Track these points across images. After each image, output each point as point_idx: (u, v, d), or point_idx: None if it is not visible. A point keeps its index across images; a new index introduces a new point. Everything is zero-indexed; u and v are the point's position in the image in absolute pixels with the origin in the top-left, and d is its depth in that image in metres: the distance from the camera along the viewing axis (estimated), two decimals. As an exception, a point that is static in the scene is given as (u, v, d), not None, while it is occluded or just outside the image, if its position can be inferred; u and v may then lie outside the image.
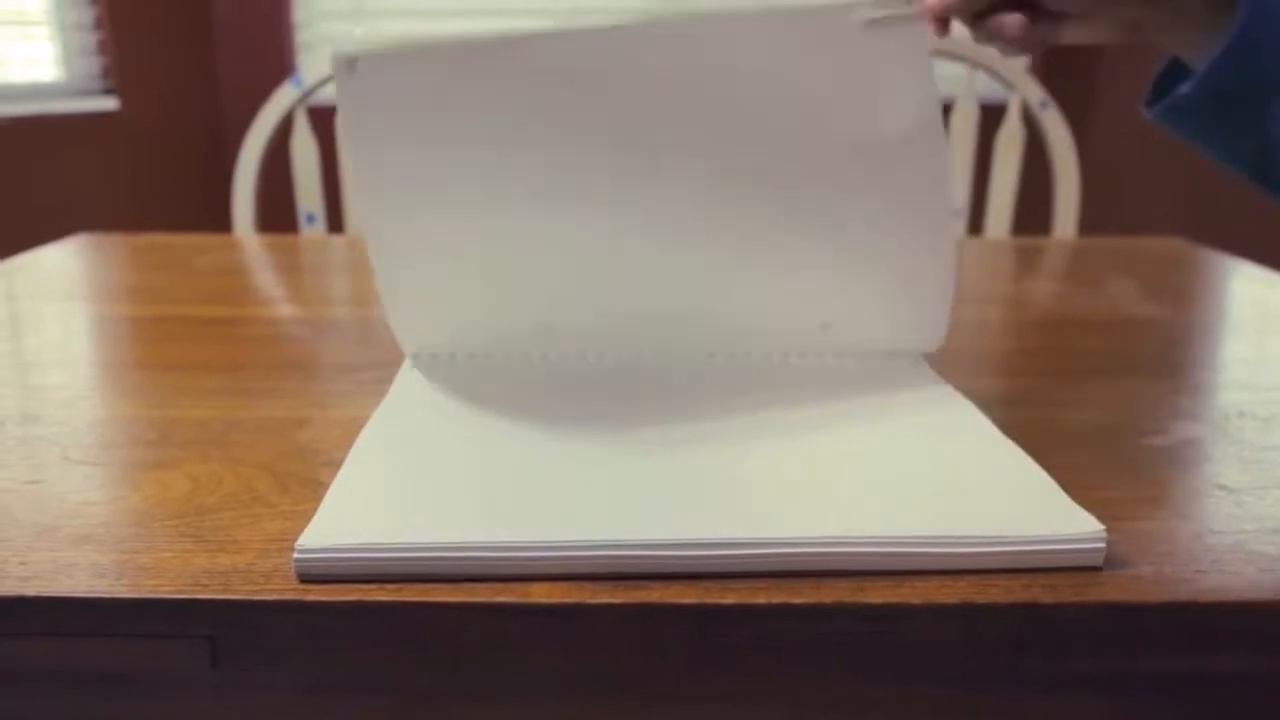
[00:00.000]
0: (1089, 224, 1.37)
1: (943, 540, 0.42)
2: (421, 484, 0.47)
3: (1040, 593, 0.41)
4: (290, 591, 0.41)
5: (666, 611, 0.40)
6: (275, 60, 2.22)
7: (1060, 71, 2.32)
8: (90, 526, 0.46)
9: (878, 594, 0.40)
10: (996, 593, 0.41)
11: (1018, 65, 1.34)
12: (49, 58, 1.92)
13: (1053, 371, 0.69)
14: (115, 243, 1.15)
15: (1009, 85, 1.34)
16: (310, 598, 0.40)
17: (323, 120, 1.58)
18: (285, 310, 0.86)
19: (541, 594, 0.40)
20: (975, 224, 1.41)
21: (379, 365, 0.69)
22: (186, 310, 0.86)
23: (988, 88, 1.37)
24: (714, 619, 0.40)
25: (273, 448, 0.55)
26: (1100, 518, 0.44)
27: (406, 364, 0.65)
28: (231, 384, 0.66)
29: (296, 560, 0.41)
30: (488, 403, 0.57)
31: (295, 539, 0.42)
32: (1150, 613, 0.40)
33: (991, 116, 1.40)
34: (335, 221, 1.53)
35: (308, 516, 0.45)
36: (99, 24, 1.97)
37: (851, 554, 0.41)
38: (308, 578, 0.41)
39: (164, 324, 0.81)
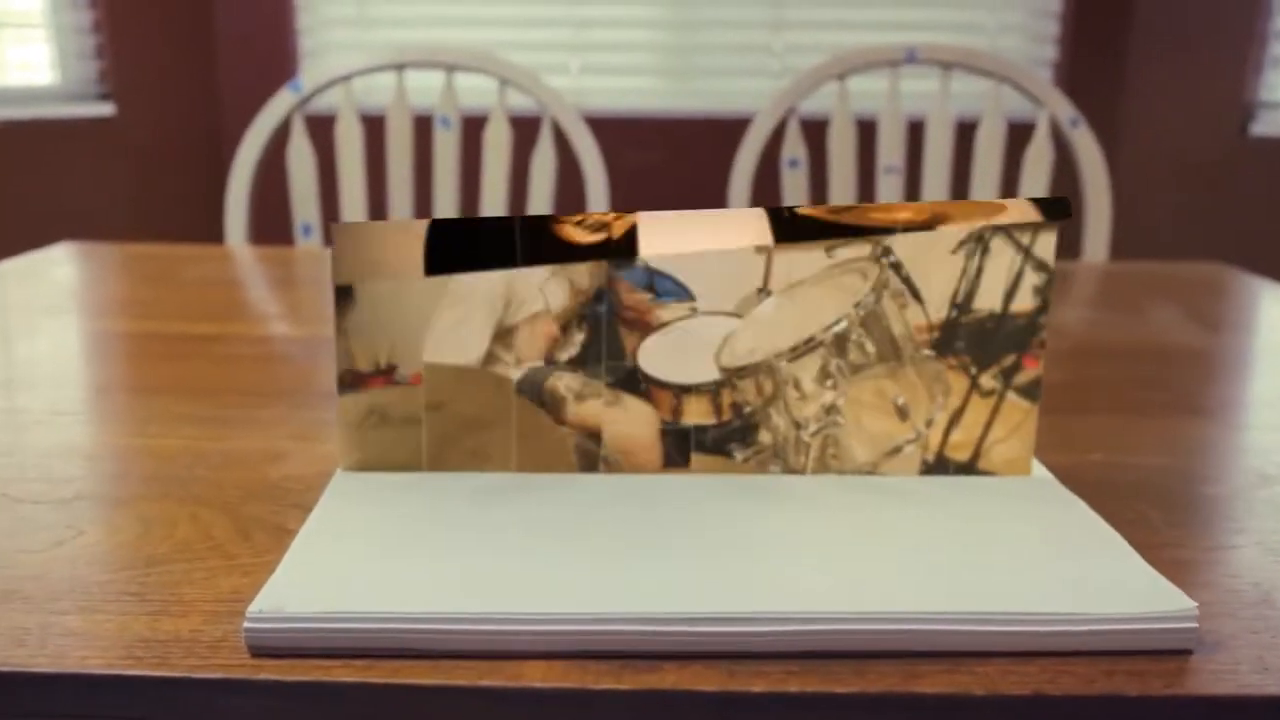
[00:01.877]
0: (1118, 248, 1.31)
1: (1007, 617, 0.36)
2: (399, 542, 0.41)
3: (1124, 682, 0.34)
4: (239, 667, 0.34)
5: (684, 699, 0.34)
6: (278, 67, 2.17)
7: (1086, 89, 2.27)
8: (19, 580, 0.40)
9: (933, 681, 0.34)
10: (1072, 682, 0.34)
11: (1045, 81, 1.28)
12: (45, 61, 1.87)
13: (1098, 408, 0.63)
14: (102, 252, 1.10)
15: (1037, 102, 1.28)
16: (262, 676, 0.34)
17: (321, 128, 1.52)
18: (274, 328, 0.80)
19: (537, 676, 0.34)
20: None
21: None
22: (170, 326, 0.80)
23: (1015, 104, 1.32)
24: (740, 708, 0.34)
25: (240, 485, 0.49)
26: (1173, 585, 0.38)
27: None
28: (207, 410, 0.60)
29: (247, 630, 0.35)
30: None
31: (251, 600, 0.36)
32: (1255, 709, 0.34)
33: (1018, 134, 1.34)
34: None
35: (269, 571, 0.39)
36: (97, 27, 1.92)
37: (902, 632, 0.35)
38: (260, 650, 0.35)
39: (144, 340, 0.76)
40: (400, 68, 1.29)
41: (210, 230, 1.26)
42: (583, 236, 0.45)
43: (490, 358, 0.46)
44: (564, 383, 0.46)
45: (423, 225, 0.45)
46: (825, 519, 0.43)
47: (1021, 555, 0.40)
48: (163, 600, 0.39)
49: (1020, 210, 0.45)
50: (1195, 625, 0.36)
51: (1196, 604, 0.36)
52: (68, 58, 1.91)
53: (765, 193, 1.40)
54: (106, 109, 1.94)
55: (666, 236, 0.45)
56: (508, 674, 0.34)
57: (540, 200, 1.30)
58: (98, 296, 0.91)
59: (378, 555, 0.39)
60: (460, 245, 0.45)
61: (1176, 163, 2.23)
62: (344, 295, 0.45)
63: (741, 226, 0.45)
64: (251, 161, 1.28)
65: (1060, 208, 0.45)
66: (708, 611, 0.35)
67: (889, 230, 0.45)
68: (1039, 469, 0.49)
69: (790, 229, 0.45)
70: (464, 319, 0.46)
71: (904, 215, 0.45)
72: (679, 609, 0.35)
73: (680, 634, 0.35)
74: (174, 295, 0.91)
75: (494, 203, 1.31)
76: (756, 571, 0.38)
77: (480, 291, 0.45)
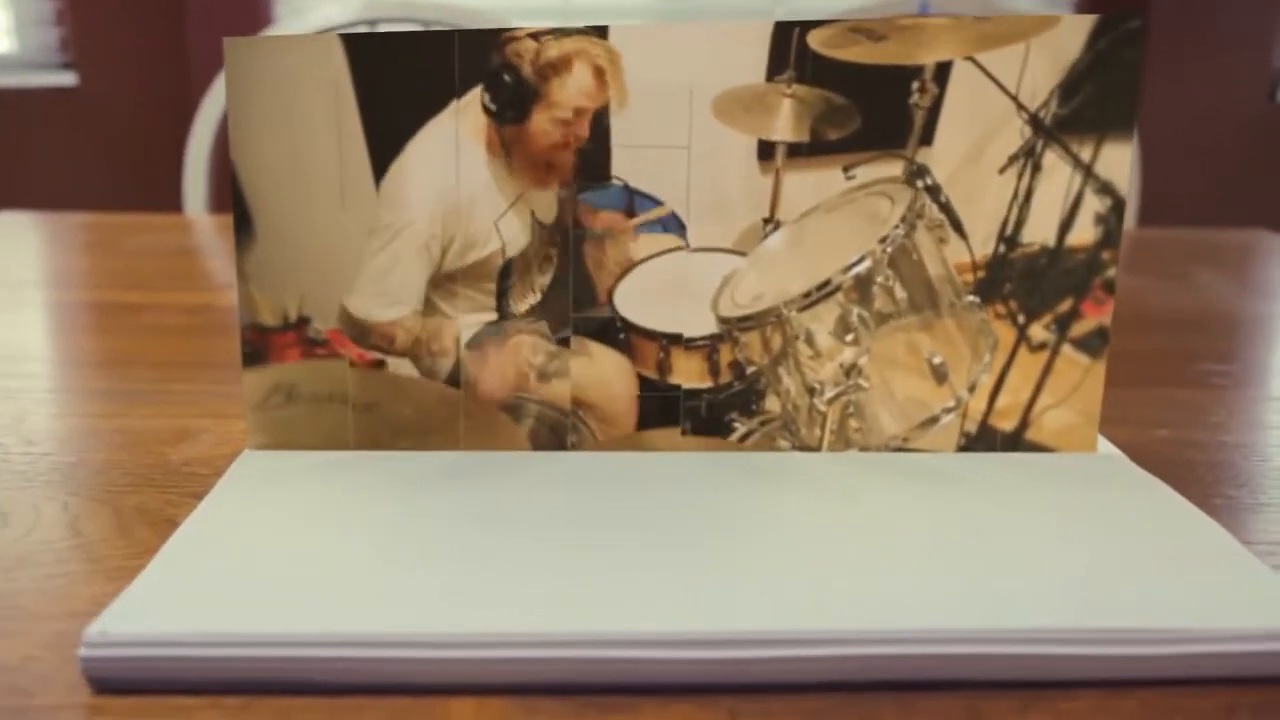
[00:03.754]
0: (1144, 215, 1.22)
1: (1096, 635, 0.27)
2: (301, 542, 0.32)
3: (1252, 721, 0.26)
4: (71, 708, 0.26)
5: (665, 750, 0.25)
6: (250, 32, 2.08)
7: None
8: None
9: (1000, 723, 0.25)
10: (1185, 721, 0.26)
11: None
12: (1, 27, 1.77)
13: (1157, 380, 0.54)
14: (46, 221, 1.01)
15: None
16: (101, 720, 0.25)
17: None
18: (210, 298, 0.72)
19: (466, 717, 0.25)
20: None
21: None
22: (96, 295, 0.71)
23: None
24: (740, 762, 0.25)
25: (131, 470, 0.40)
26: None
27: None
28: (113, 384, 0.51)
29: (84, 657, 0.26)
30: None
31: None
32: None
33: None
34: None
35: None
36: (56, -9, 1.82)
37: (961, 657, 0.26)
38: (104, 684, 0.26)
39: (61, 310, 0.67)
40: (372, 23, 1.20)
41: (179, 202, 1.17)
42: (537, 55, 0.36)
43: (429, 306, 0.37)
44: (525, 352, 0.37)
45: (335, 40, 0.35)
46: (849, 510, 0.34)
47: (1103, 555, 0.31)
48: (-4, 615, 0.30)
49: (1077, 25, 0.35)
50: (1339, 643, 0.27)
51: (1339, 615, 0.28)
52: (26, 24, 1.81)
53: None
54: (68, 78, 1.84)
55: (648, 54, 0.36)
56: (428, 715, 0.25)
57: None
58: (24, 266, 0.83)
59: (269, 559, 0.31)
60: (386, 67, 0.36)
61: (1202, 130, 2.14)
62: (244, 226, 0.36)
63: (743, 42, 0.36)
64: (212, 128, 1.19)
65: (1129, 25, 0.35)
66: (699, 632, 0.26)
67: (914, 74, 0.36)
68: (1105, 445, 0.40)
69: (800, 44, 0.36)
70: (393, 264, 0.37)
71: (940, 24, 0.36)
72: (660, 628, 0.27)
73: (663, 661, 0.26)
74: (110, 264, 0.82)
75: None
76: (763, 578, 0.29)
77: (413, 229, 0.37)
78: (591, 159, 0.36)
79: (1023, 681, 0.27)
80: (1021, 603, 0.28)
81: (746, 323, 0.37)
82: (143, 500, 0.38)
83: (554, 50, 0.35)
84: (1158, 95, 2.13)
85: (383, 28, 1.21)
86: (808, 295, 0.37)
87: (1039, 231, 0.37)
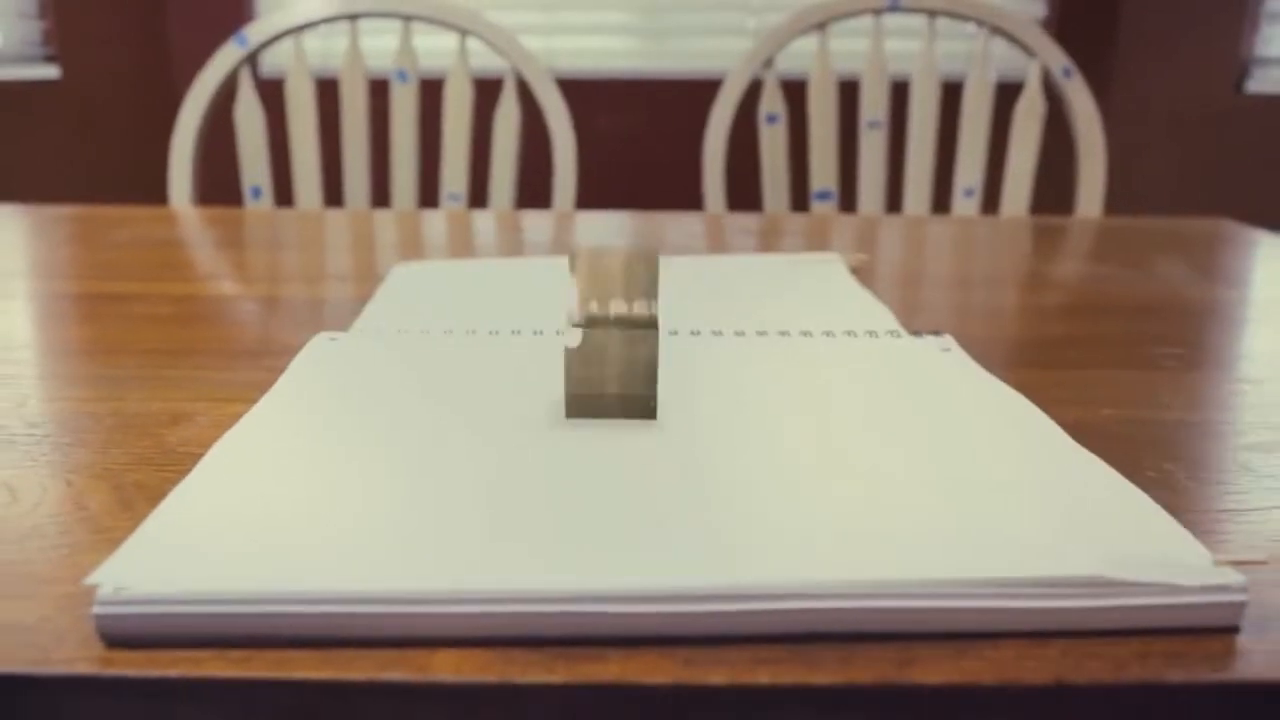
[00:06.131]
0: (1110, 203, 1.25)
1: (1022, 589, 0.30)
2: (290, 506, 0.34)
3: (1163, 667, 0.29)
4: (86, 660, 0.28)
5: (629, 694, 0.28)
6: (232, 25, 2.08)
7: (1075, 50, 2.21)
8: None
9: (934, 669, 0.28)
10: (1100, 668, 0.28)
11: (1037, 29, 1.22)
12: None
13: (1106, 363, 0.57)
14: (29, 215, 1.02)
15: (1028, 51, 1.22)
16: (113, 671, 0.28)
17: (271, 87, 1.45)
18: (198, 288, 0.73)
19: (448, 667, 0.28)
20: (990, 204, 1.29)
21: (296, 350, 0.56)
22: (83, 286, 0.73)
23: (1004, 55, 1.26)
24: (697, 705, 0.28)
25: (130, 450, 0.42)
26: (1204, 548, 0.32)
27: (313, 344, 0.53)
28: (104, 370, 0.53)
29: (98, 613, 0.29)
30: (400, 400, 0.45)
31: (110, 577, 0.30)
32: (1321, 697, 0.28)
33: (1007, 87, 1.29)
34: (284, 195, 1.41)
35: (141, 547, 0.32)
36: (39, -15, 1.82)
37: (896, 610, 0.29)
38: (115, 639, 0.29)
39: (52, 301, 0.68)
40: (354, 18, 1.22)
41: (164, 195, 1.18)
42: None
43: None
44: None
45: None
46: (800, 467, 0.37)
47: (1031, 511, 0.34)
48: (10, 579, 0.32)
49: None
50: (1244, 599, 0.30)
51: (1242, 575, 0.30)
52: (8, 17, 1.81)
53: (742, 152, 1.34)
54: (51, 71, 1.84)
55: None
56: (413, 665, 0.28)
57: (504, 163, 1.23)
58: (10, 258, 0.84)
59: (258, 522, 0.33)
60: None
61: (1170, 121, 2.18)
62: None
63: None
64: (196, 120, 1.20)
65: None
66: (659, 587, 0.29)
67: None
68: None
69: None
70: None
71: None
72: (622, 584, 0.29)
73: (625, 615, 0.29)
74: (96, 256, 0.84)
75: (455, 165, 1.24)
76: (719, 537, 0.32)
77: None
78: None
79: (956, 632, 0.29)
80: (952, 557, 0.31)
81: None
82: (142, 478, 0.40)
83: None
84: (1126, 86, 2.16)
85: (362, 22, 1.22)
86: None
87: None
